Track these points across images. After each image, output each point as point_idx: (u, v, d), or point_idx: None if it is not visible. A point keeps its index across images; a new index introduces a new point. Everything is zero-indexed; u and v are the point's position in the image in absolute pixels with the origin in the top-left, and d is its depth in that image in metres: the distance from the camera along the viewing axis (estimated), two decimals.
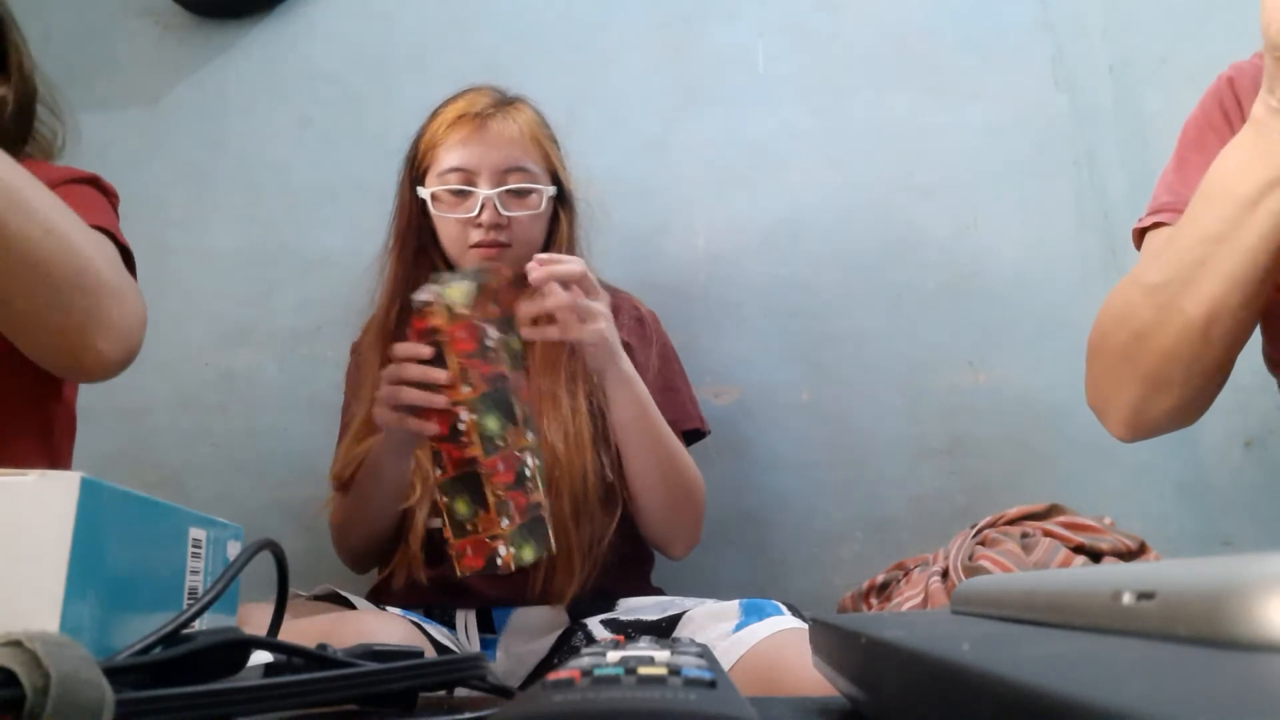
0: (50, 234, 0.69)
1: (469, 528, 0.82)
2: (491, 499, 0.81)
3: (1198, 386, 0.75)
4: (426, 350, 0.82)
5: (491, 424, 0.81)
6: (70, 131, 0.95)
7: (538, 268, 0.86)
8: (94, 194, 0.88)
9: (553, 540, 0.84)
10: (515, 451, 0.83)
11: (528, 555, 0.82)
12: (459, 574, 0.82)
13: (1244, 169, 0.67)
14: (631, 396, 0.94)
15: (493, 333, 0.83)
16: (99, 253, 0.74)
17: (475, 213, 1.00)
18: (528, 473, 0.83)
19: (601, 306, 0.90)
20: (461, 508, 0.82)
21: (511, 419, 0.83)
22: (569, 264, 0.88)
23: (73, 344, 0.73)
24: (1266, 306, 0.77)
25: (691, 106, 1.36)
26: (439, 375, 0.81)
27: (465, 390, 0.80)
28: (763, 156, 1.33)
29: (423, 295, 0.81)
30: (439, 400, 0.81)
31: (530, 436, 0.84)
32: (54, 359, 0.75)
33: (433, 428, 0.82)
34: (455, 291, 0.81)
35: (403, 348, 0.83)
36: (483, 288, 0.83)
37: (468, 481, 0.82)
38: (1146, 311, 0.75)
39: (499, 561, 0.81)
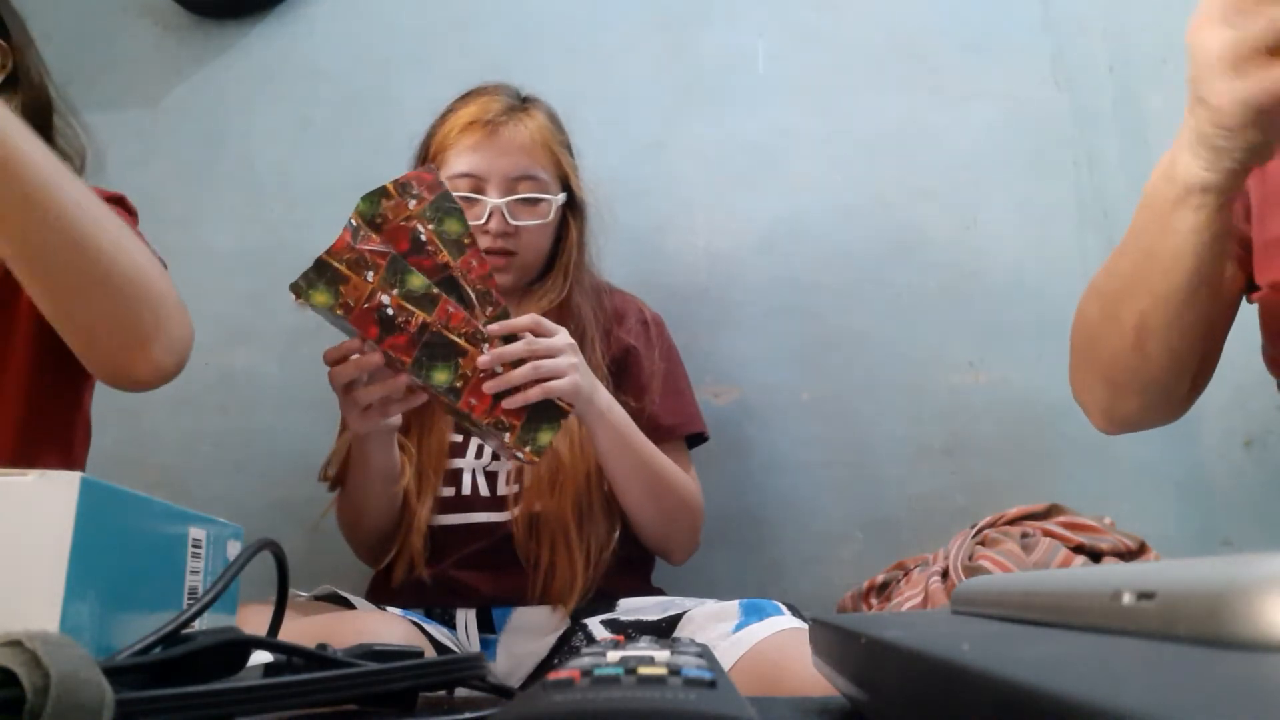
0: (117, 247, 0.70)
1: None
2: (484, 428, 0.82)
3: (1155, 394, 0.74)
4: (353, 344, 0.81)
5: (441, 376, 0.81)
6: (93, 153, 0.95)
7: (488, 359, 0.82)
8: (123, 214, 0.89)
9: (562, 403, 0.85)
10: (479, 376, 0.82)
11: (545, 439, 0.84)
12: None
13: (1158, 185, 0.65)
14: (611, 429, 0.93)
15: (385, 298, 0.79)
16: (155, 267, 0.76)
17: (483, 220, 1.00)
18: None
19: (567, 357, 0.86)
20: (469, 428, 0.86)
21: (458, 353, 0.81)
22: (514, 346, 0.83)
23: (133, 355, 0.75)
24: (1265, 306, 0.77)
25: (691, 106, 1.36)
26: (375, 360, 0.80)
27: (400, 368, 0.80)
28: (763, 156, 1.33)
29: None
30: (400, 382, 0.81)
31: (485, 346, 0.83)
32: (112, 370, 0.77)
33: (418, 398, 0.84)
34: (320, 297, 0.78)
35: (328, 355, 0.83)
36: (340, 278, 0.78)
37: (460, 415, 0.83)
38: (1095, 316, 0.75)
39: (524, 461, 0.84)
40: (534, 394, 0.83)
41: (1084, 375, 0.80)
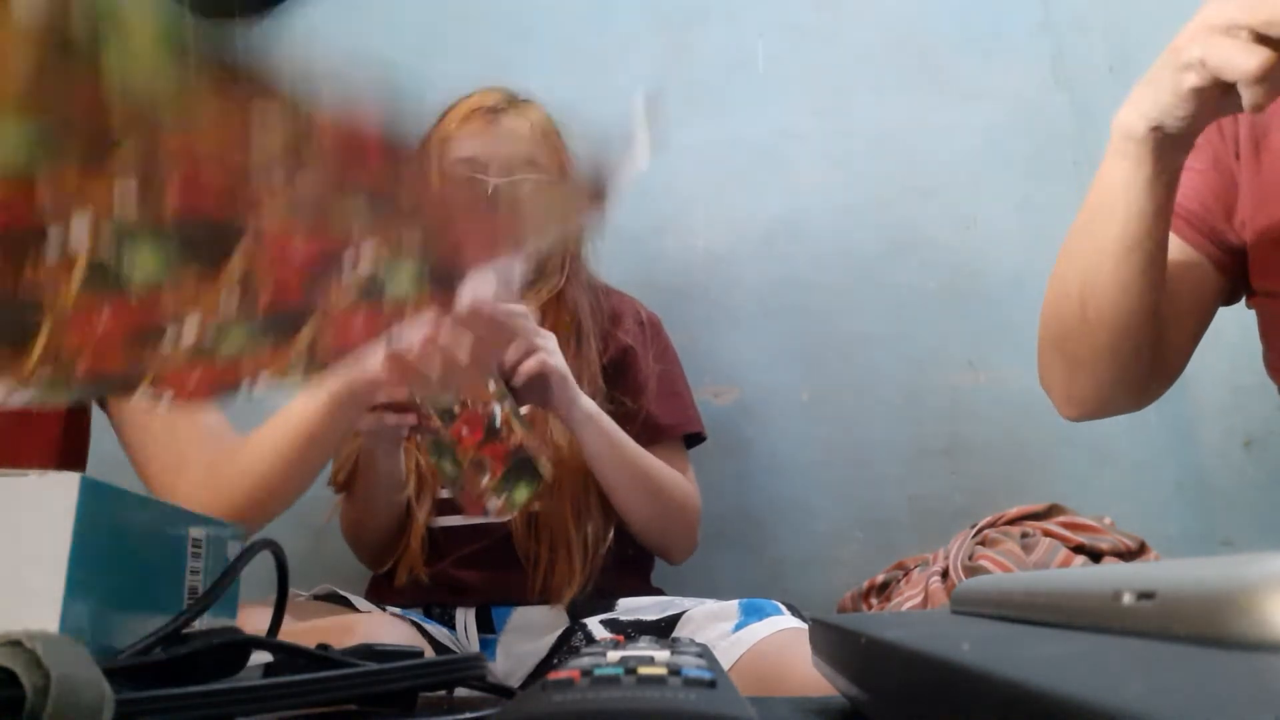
0: None
1: (460, 484, 0.84)
2: (464, 462, 0.82)
3: (1109, 370, 0.75)
4: None
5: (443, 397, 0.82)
6: None
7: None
8: None
9: (546, 469, 0.85)
10: (479, 409, 0.82)
11: (520, 496, 0.84)
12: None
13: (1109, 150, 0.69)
14: (598, 433, 0.93)
15: None
16: None
17: None
18: (498, 423, 0.82)
19: (552, 344, 0.87)
20: (448, 467, 0.84)
21: None
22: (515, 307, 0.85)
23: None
24: (1262, 312, 0.77)
25: (691, 106, 1.36)
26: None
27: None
28: (763, 156, 1.33)
29: None
30: (401, 390, 0.82)
31: (493, 386, 0.82)
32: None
33: (409, 418, 0.84)
34: None
35: None
36: None
37: (446, 445, 0.83)
38: (1053, 285, 0.78)
39: (494, 511, 0.84)
40: (531, 365, 0.83)
41: (1045, 352, 0.81)
